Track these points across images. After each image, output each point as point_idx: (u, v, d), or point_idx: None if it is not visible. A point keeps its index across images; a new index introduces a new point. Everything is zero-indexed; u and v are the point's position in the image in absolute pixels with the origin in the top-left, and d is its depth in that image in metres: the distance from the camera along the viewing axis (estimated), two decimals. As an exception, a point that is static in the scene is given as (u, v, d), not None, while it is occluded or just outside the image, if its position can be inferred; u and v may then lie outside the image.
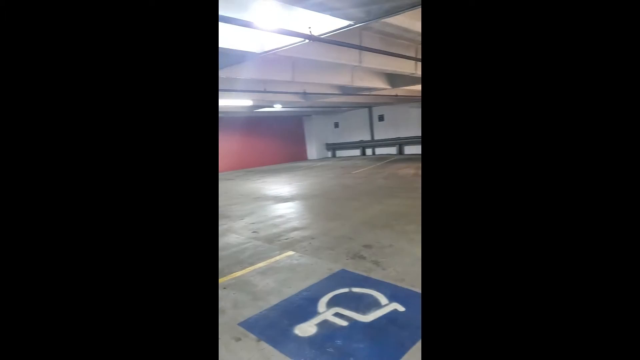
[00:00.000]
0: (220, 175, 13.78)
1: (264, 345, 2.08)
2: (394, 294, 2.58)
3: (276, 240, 4.21)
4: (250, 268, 3.37)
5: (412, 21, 4.55)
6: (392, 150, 16.14)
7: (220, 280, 3.13)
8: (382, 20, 3.75)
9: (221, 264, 3.56)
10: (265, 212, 5.97)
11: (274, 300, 2.64)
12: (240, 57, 4.78)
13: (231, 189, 9.39)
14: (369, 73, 8.34)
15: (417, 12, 3.61)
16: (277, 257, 3.60)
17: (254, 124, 16.16)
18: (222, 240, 4.41)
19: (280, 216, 5.55)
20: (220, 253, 3.92)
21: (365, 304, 2.47)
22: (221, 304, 2.66)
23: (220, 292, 2.86)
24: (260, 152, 16.79)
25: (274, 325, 2.29)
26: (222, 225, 5.25)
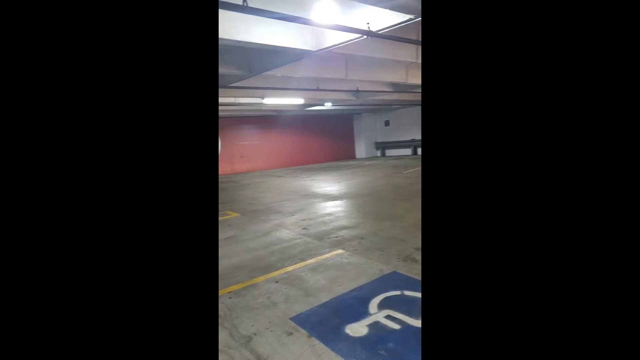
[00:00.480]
0: (271, 172, 14.20)
1: (315, 341, 2.09)
2: (450, 301, 2.46)
3: (326, 238, 4.23)
4: (301, 264, 3.42)
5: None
6: (446, 150, 15.47)
7: (272, 274, 3.21)
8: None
9: (273, 258, 3.65)
10: (315, 210, 6.03)
11: (325, 298, 2.64)
12: (297, 55, 4.85)
13: (282, 186, 9.62)
14: (424, 70, 8.04)
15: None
16: (327, 255, 3.61)
17: (304, 122, 16.38)
18: (275, 235, 4.53)
19: (330, 214, 5.56)
20: (273, 247, 4.03)
21: (418, 308, 2.38)
22: (273, 297, 2.72)
23: (272, 286, 2.94)
24: (310, 150, 16.99)
25: (324, 323, 2.29)
26: (274, 220, 5.39)
